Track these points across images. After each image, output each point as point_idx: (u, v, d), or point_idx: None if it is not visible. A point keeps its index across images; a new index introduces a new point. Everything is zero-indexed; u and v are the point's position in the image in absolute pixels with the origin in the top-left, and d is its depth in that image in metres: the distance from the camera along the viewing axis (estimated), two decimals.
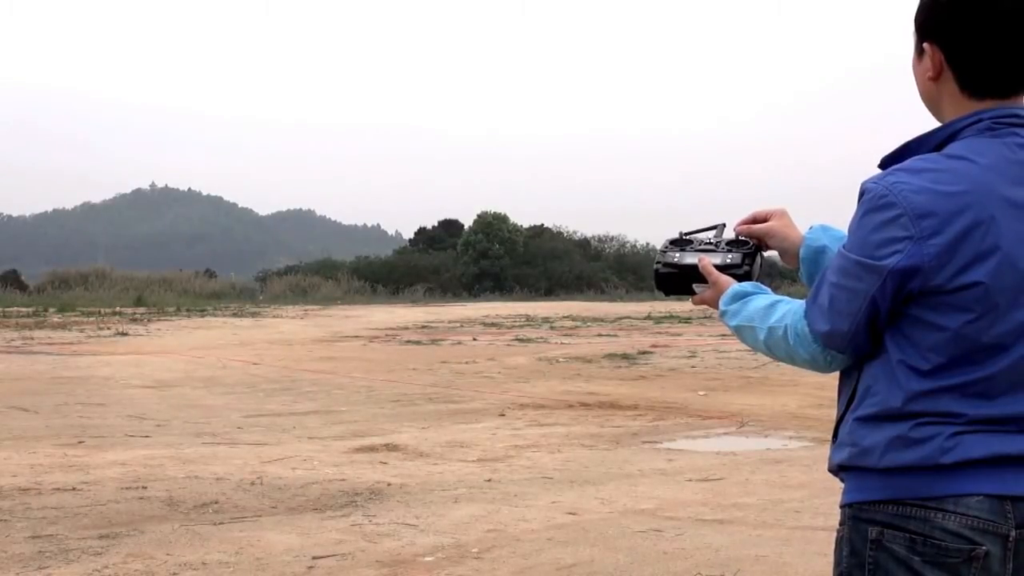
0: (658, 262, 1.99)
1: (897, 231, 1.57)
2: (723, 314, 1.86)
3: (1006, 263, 1.56)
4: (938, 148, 1.66)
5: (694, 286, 1.95)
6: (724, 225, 2.02)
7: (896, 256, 1.57)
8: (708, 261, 1.92)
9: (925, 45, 1.69)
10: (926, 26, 1.69)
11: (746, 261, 1.92)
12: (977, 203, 1.56)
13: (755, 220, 2.00)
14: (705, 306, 1.96)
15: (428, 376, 14.16)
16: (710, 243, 1.98)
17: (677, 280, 1.97)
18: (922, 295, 1.59)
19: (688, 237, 2.01)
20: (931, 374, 1.59)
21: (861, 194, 1.64)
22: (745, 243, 1.96)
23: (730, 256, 1.93)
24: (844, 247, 1.65)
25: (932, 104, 1.74)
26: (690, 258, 1.95)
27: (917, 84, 1.75)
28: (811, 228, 1.93)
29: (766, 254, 2.01)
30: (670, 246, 2.00)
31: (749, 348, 1.86)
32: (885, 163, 1.71)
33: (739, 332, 1.83)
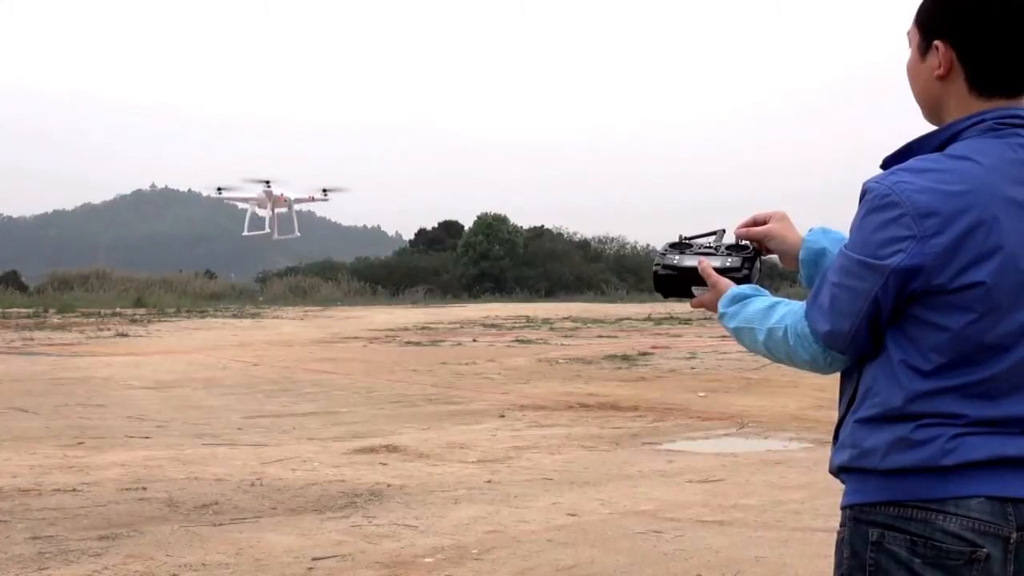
0: (657, 264, 1.98)
1: (900, 230, 1.57)
2: (722, 316, 1.85)
3: (1009, 263, 1.56)
4: (940, 148, 1.65)
5: (693, 289, 1.94)
6: (724, 231, 2.01)
7: (899, 255, 1.57)
8: (707, 264, 1.91)
9: (936, 43, 1.67)
10: (937, 24, 1.68)
11: (745, 264, 1.92)
12: (980, 203, 1.56)
13: (754, 223, 1.99)
14: (704, 308, 1.95)
15: (428, 377, 14.16)
16: (710, 247, 1.97)
17: (676, 282, 1.97)
18: (924, 295, 1.58)
19: (688, 241, 2.01)
20: (933, 374, 1.59)
21: (863, 194, 1.63)
22: (745, 247, 1.96)
23: (729, 259, 1.92)
24: (846, 247, 1.65)
25: (933, 104, 1.72)
26: (689, 261, 1.94)
27: (916, 84, 1.74)
28: (811, 230, 1.93)
29: (766, 257, 2.01)
30: (670, 249, 2.00)
31: (748, 350, 1.85)
32: (887, 163, 1.70)
33: (738, 334, 1.82)
